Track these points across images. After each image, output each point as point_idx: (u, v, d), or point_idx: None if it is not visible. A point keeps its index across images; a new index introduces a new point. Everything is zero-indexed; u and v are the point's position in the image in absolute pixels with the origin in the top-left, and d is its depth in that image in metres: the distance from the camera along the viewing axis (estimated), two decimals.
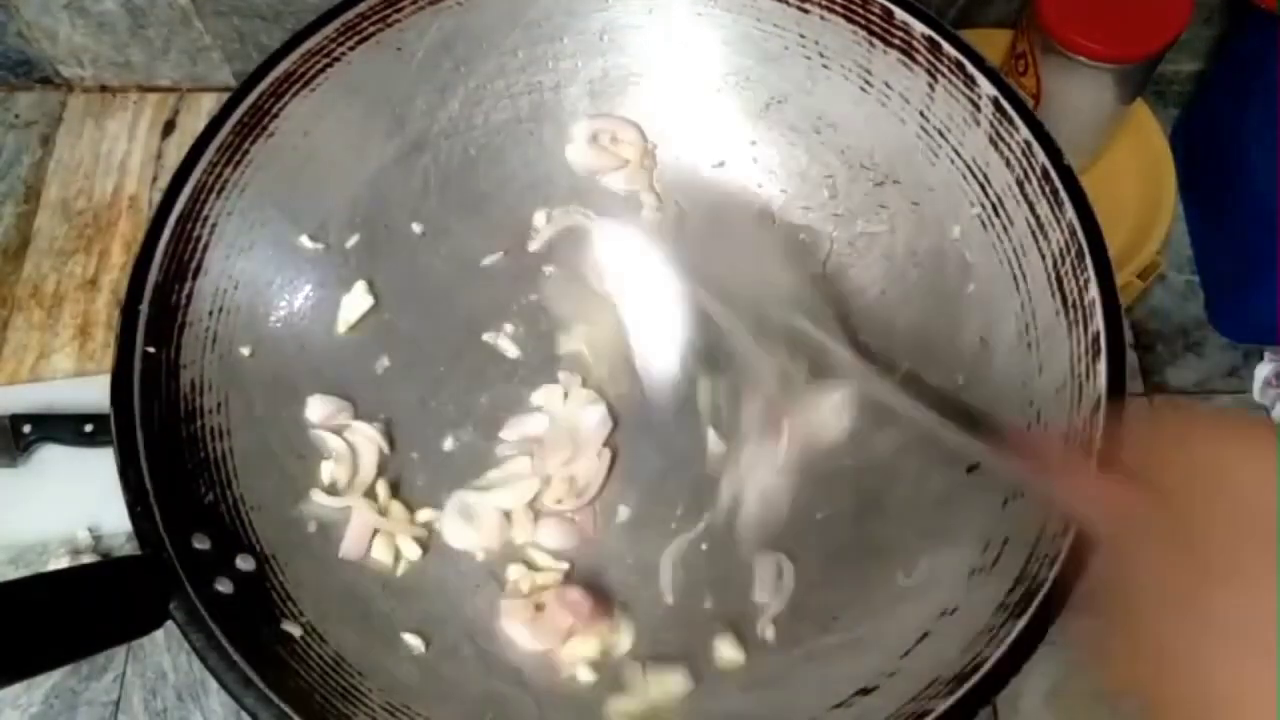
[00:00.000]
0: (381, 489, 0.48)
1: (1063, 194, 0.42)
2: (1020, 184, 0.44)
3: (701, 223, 0.54)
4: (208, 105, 0.71)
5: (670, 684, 0.44)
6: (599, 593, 0.46)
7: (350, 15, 0.48)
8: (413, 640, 0.44)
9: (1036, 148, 0.43)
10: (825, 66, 0.49)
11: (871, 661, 0.40)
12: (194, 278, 0.45)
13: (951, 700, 0.35)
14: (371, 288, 0.52)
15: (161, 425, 0.42)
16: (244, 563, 0.42)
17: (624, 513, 0.48)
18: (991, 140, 0.45)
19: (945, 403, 0.42)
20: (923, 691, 0.37)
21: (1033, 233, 0.43)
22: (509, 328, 0.53)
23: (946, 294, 0.48)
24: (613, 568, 0.47)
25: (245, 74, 0.48)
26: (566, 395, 0.50)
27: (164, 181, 0.50)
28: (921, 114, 0.47)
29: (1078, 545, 0.36)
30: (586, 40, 0.53)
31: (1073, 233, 0.41)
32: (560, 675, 0.44)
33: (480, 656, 0.44)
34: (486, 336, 0.52)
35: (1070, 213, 0.41)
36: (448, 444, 0.50)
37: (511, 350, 0.52)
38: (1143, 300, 0.62)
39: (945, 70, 0.45)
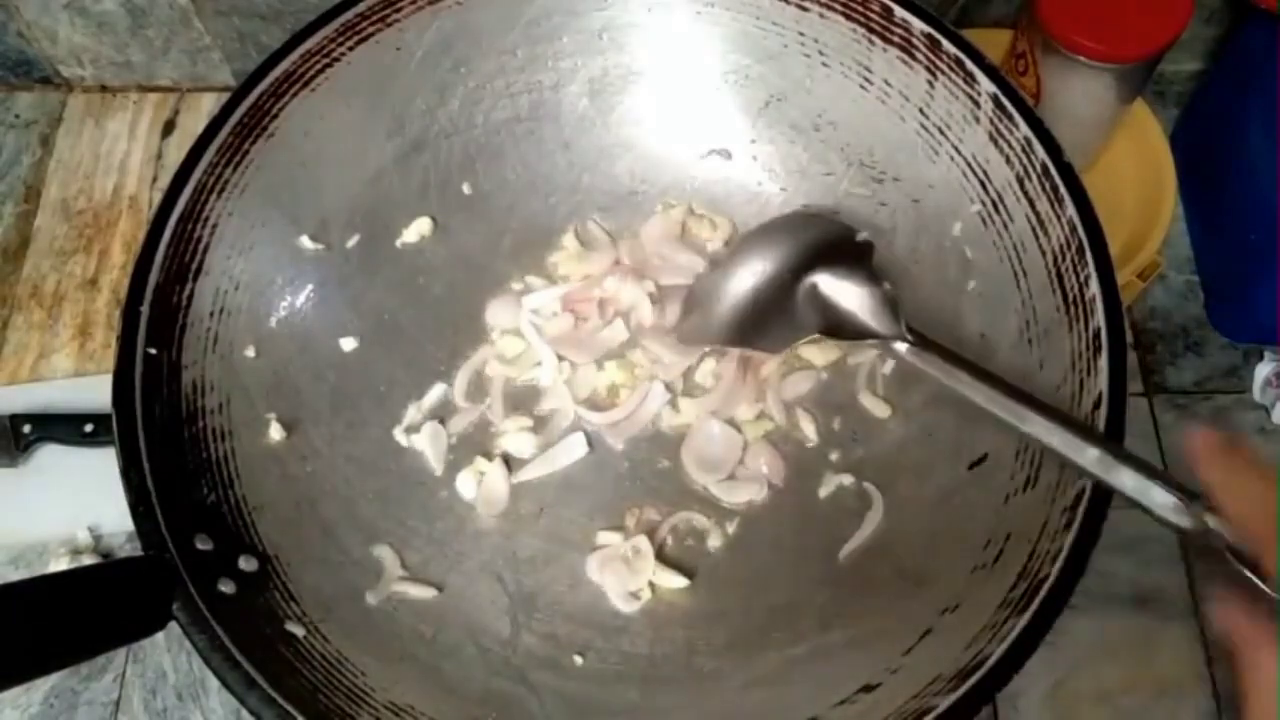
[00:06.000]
0: None
1: (1063, 190, 0.42)
2: (1020, 181, 0.44)
3: None
4: (208, 105, 0.71)
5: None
6: None
7: (350, 15, 0.49)
8: (415, 639, 0.44)
9: (1036, 144, 0.43)
10: (825, 64, 0.49)
11: (874, 658, 0.40)
12: (195, 278, 0.45)
13: (954, 697, 0.35)
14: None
15: (163, 426, 0.42)
16: (246, 563, 0.41)
17: None
18: (991, 137, 0.45)
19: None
20: (925, 688, 0.37)
21: (1033, 229, 0.43)
22: None
23: (947, 291, 0.48)
24: None
25: (245, 74, 0.48)
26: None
27: (164, 181, 0.50)
28: (921, 111, 0.47)
29: (1079, 542, 0.36)
30: (586, 39, 0.53)
31: (1073, 229, 0.41)
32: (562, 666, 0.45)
33: (482, 655, 0.44)
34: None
35: (1070, 209, 0.41)
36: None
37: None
38: (1142, 300, 0.62)
39: (945, 67, 0.45)
